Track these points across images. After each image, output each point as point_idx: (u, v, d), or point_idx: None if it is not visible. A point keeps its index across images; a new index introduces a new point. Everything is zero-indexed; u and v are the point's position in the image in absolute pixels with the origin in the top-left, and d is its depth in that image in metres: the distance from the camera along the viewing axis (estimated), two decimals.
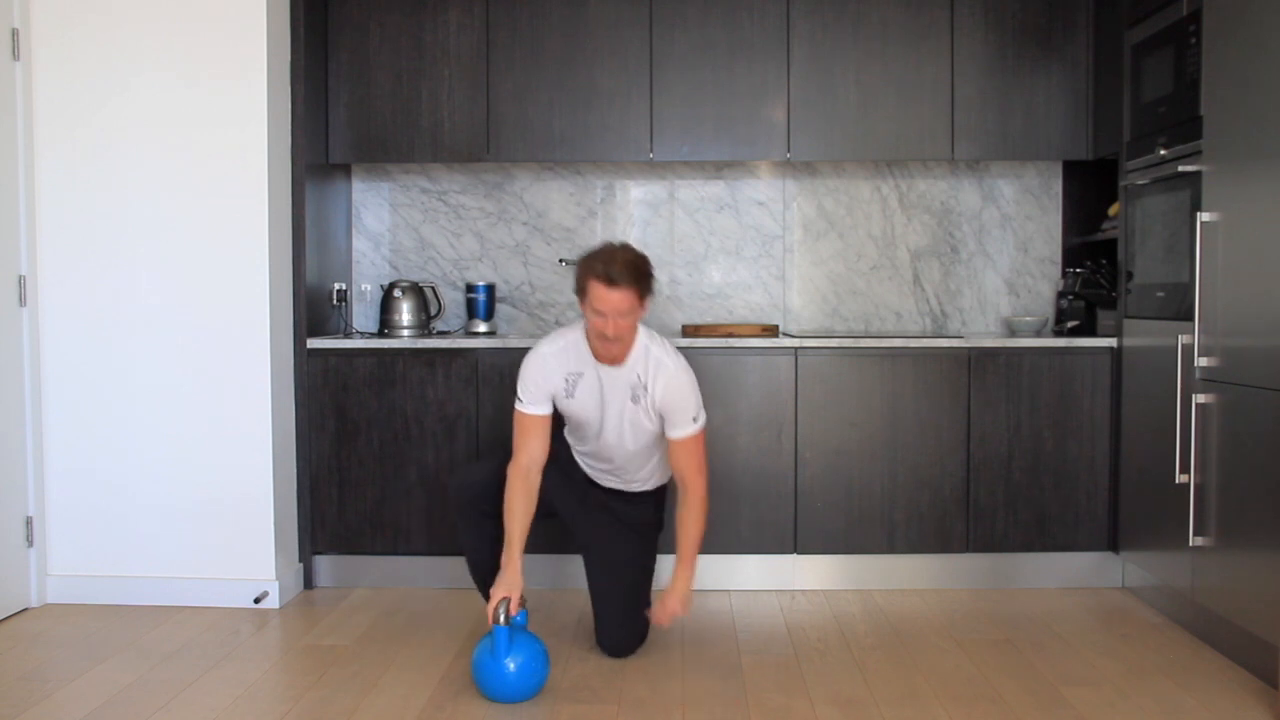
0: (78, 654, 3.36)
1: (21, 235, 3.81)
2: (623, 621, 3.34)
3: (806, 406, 4.07)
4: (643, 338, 3.25)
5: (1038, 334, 4.38)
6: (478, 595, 4.01)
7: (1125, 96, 3.96)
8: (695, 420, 3.23)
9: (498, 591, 3.06)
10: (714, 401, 3.89)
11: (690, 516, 3.24)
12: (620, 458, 3.35)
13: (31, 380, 3.84)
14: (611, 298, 3.05)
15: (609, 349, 3.16)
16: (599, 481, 3.46)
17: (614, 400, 3.24)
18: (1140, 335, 3.87)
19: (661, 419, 3.25)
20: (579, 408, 3.28)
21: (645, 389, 3.21)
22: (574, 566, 4.11)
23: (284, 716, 2.88)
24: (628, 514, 3.45)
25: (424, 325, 4.40)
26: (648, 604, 3.38)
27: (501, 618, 2.96)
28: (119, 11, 3.81)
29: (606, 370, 3.23)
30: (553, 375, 3.26)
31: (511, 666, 2.94)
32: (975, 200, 4.65)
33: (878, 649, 3.42)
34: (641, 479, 3.43)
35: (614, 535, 3.41)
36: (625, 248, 3.16)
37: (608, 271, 3.05)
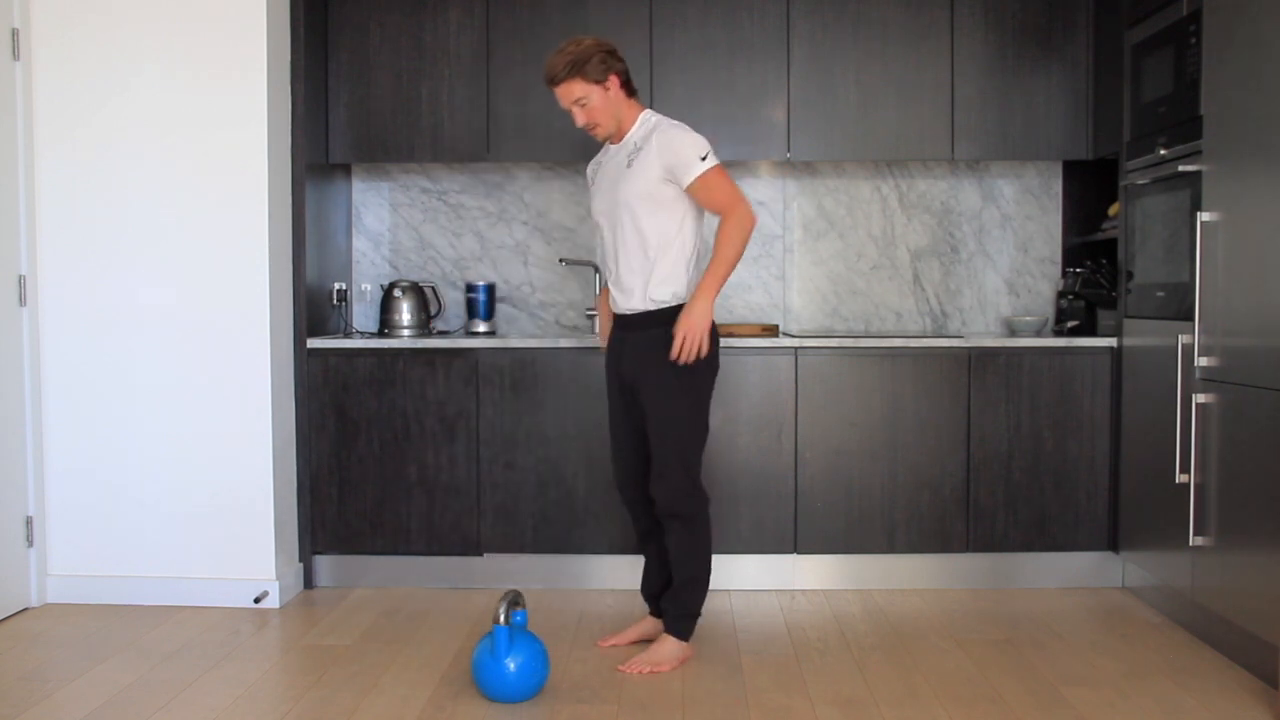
0: (78, 654, 3.36)
1: (21, 235, 3.81)
2: (652, 476, 3.25)
3: (806, 406, 4.07)
4: (648, 114, 3.29)
5: (1038, 334, 4.38)
6: (478, 595, 4.02)
7: (1125, 96, 3.96)
8: (704, 159, 3.15)
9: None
10: (714, 401, 3.88)
11: (721, 236, 3.16)
12: (612, 253, 3.29)
13: (31, 380, 3.84)
14: (558, 94, 3.23)
15: (597, 135, 3.30)
16: (615, 308, 3.37)
17: (609, 175, 3.29)
18: (1140, 335, 3.87)
19: (666, 175, 3.17)
20: (595, 192, 3.38)
21: (639, 149, 3.22)
22: (574, 566, 4.12)
23: (284, 716, 2.88)
24: (634, 369, 3.27)
25: (424, 325, 4.41)
26: (677, 468, 3.21)
27: (502, 617, 2.96)
28: (119, 11, 3.81)
29: (612, 149, 3.33)
30: (592, 166, 3.46)
31: (511, 666, 2.94)
32: (975, 200, 4.65)
33: (878, 649, 3.42)
34: (631, 289, 3.26)
35: (631, 409, 3.33)
36: (573, 41, 3.24)
37: (545, 73, 3.23)
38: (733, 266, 3.19)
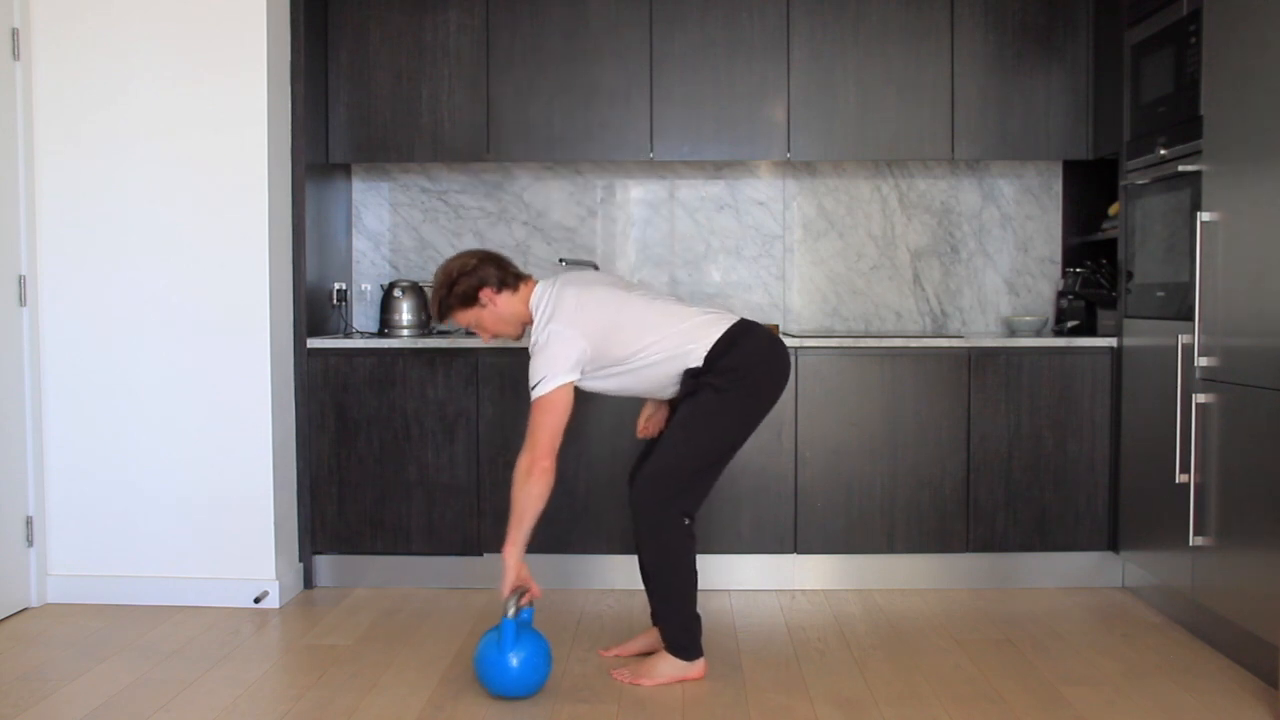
0: (78, 654, 3.36)
1: (21, 235, 3.81)
2: (641, 467, 3.21)
3: (806, 406, 4.07)
4: (534, 302, 3.19)
5: (1038, 334, 4.39)
6: (477, 595, 4.02)
7: (1125, 96, 3.96)
8: (533, 388, 3.05)
9: (513, 581, 3.04)
10: None
11: (512, 484, 3.08)
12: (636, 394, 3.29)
13: (31, 380, 3.84)
14: (456, 323, 3.28)
15: (511, 340, 3.36)
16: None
17: None
18: (1140, 335, 3.87)
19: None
20: None
21: None
22: (574, 566, 4.12)
23: (284, 716, 2.88)
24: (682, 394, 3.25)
25: (424, 325, 4.40)
26: (664, 471, 3.14)
27: (511, 610, 2.95)
28: (119, 11, 3.81)
29: None
30: None
31: (515, 661, 2.93)
32: (975, 200, 4.65)
33: (878, 649, 3.42)
34: (653, 390, 3.25)
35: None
36: (438, 274, 3.23)
37: (433, 314, 3.28)
38: (525, 516, 3.04)
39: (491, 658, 2.95)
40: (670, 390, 3.21)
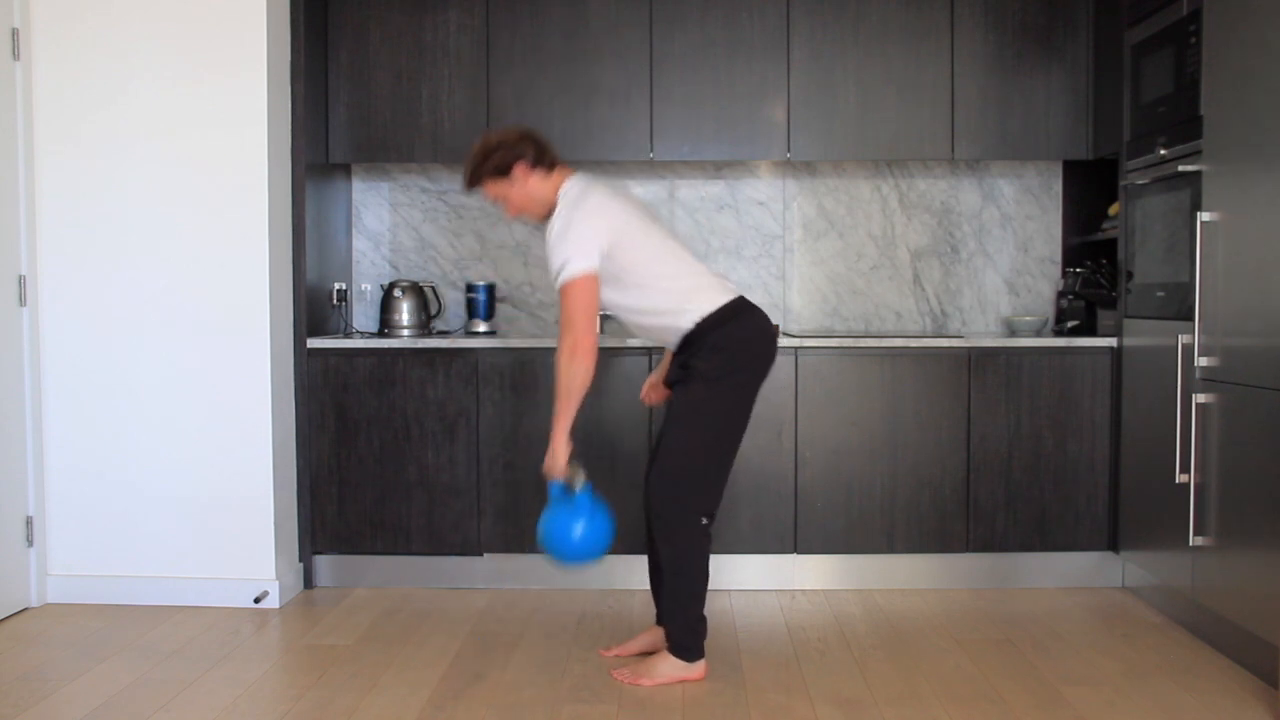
0: (78, 654, 3.36)
1: (21, 235, 3.81)
2: (650, 476, 3.21)
3: (806, 406, 4.07)
4: (564, 190, 3.18)
5: (1038, 334, 4.39)
6: (477, 595, 4.03)
7: (1125, 96, 3.96)
8: (557, 275, 3.04)
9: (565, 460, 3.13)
10: None
11: (555, 365, 3.08)
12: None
13: (31, 380, 3.84)
14: (483, 195, 3.29)
15: (530, 221, 3.37)
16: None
17: None
18: (1140, 335, 3.87)
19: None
20: None
21: None
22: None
23: (284, 716, 2.88)
24: (674, 377, 3.27)
25: (424, 325, 4.40)
26: (673, 470, 3.15)
27: (580, 480, 3.08)
28: (119, 11, 3.81)
29: None
30: None
31: (586, 529, 3.05)
32: (975, 200, 4.65)
33: (878, 649, 3.42)
34: (641, 328, 3.26)
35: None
36: (476, 143, 3.24)
37: (464, 181, 3.28)
38: (570, 395, 3.05)
39: (566, 524, 3.07)
40: (667, 340, 3.22)
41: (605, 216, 3.10)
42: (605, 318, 4.61)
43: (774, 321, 4.58)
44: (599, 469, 4.03)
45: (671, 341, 3.21)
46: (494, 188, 3.22)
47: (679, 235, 4.67)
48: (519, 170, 3.17)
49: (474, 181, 3.23)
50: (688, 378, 3.13)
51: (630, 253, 3.10)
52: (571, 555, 3.12)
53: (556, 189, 3.20)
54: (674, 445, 3.13)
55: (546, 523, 3.14)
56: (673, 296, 3.14)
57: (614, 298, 3.17)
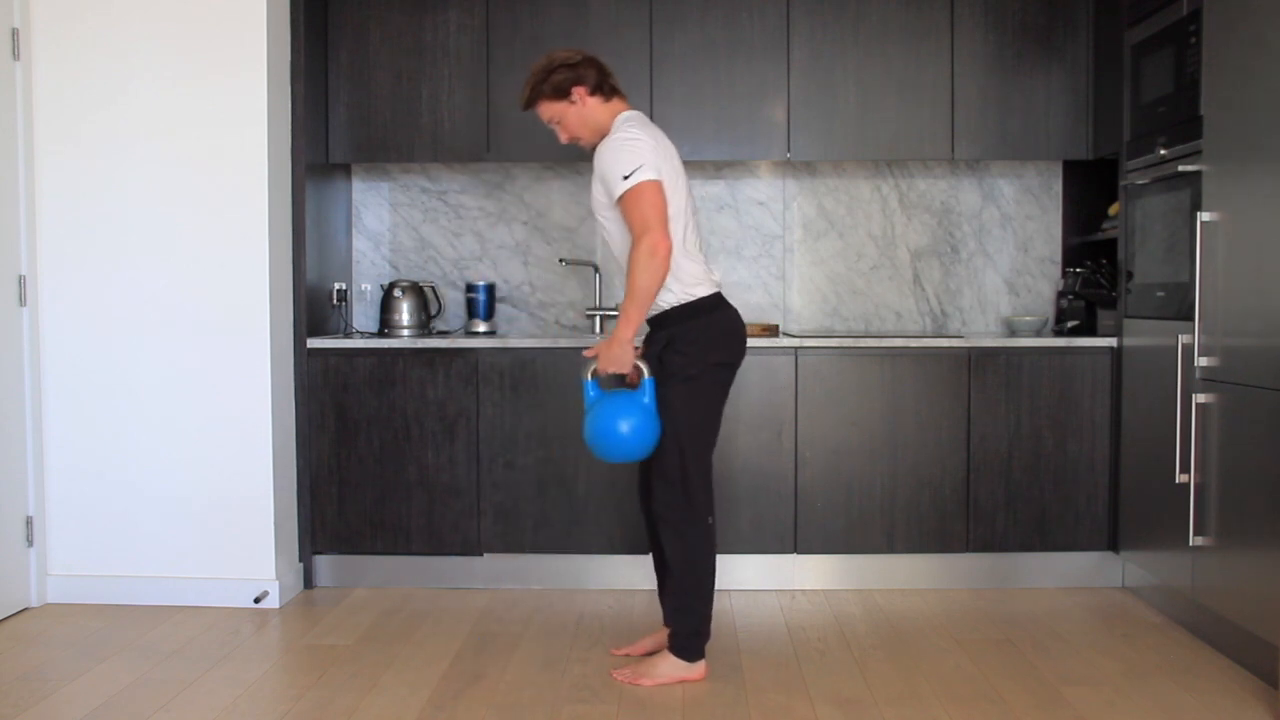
0: (78, 654, 3.36)
1: (21, 235, 3.81)
2: (650, 483, 3.22)
3: (806, 406, 4.07)
4: (620, 119, 3.18)
5: (1038, 334, 4.38)
6: (477, 595, 4.02)
7: (1125, 96, 3.96)
8: (627, 178, 3.02)
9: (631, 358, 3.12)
10: None
11: (630, 263, 3.06)
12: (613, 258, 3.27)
13: (31, 380, 3.84)
14: (539, 115, 3.24)
15: (583, 147, 3.27)
16: None
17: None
18: (1140, 335, 3.87)
19: (604, 189, 3.12)
20: None
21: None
22: (574, 566, 4.12)
23: (284, 716, 2.88)
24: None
25: (424, 325, 4.40)
26: (675, 475, 3.14)
27: (647, 371, 3.09)
28: (119, 11, 3.81)
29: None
30: None
31: (626, 426, 3.06)
32: (975, 200, 4.65)
33: (878, 649, 3.42)
34: (625, 273, 3.22)
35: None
36: (540, 61, 3.21)
37: (521, 99, 3.23)
38: (646, 296, 3.03)
39: (638, 408, 3.07)
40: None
41: (660, 153, 3.11)
42: (609, 315, 4.61)
43: (772, 321, 4.63)
44: (598, 469, 4.04)
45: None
46: (551, 108, 3.19)
47: None
48: (578, 93, 3.16)
49: (532, 100, 3.20)
50: (665, 377, 3.13)
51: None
52: (633, 449, 3.10)
53: (613, 116, 3.19)
54: (670, 450, 3.12)
55: (614, 418, 3.09)
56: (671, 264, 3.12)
57: (620, 232, 3.15)
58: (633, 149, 3.06)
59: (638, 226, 3.02)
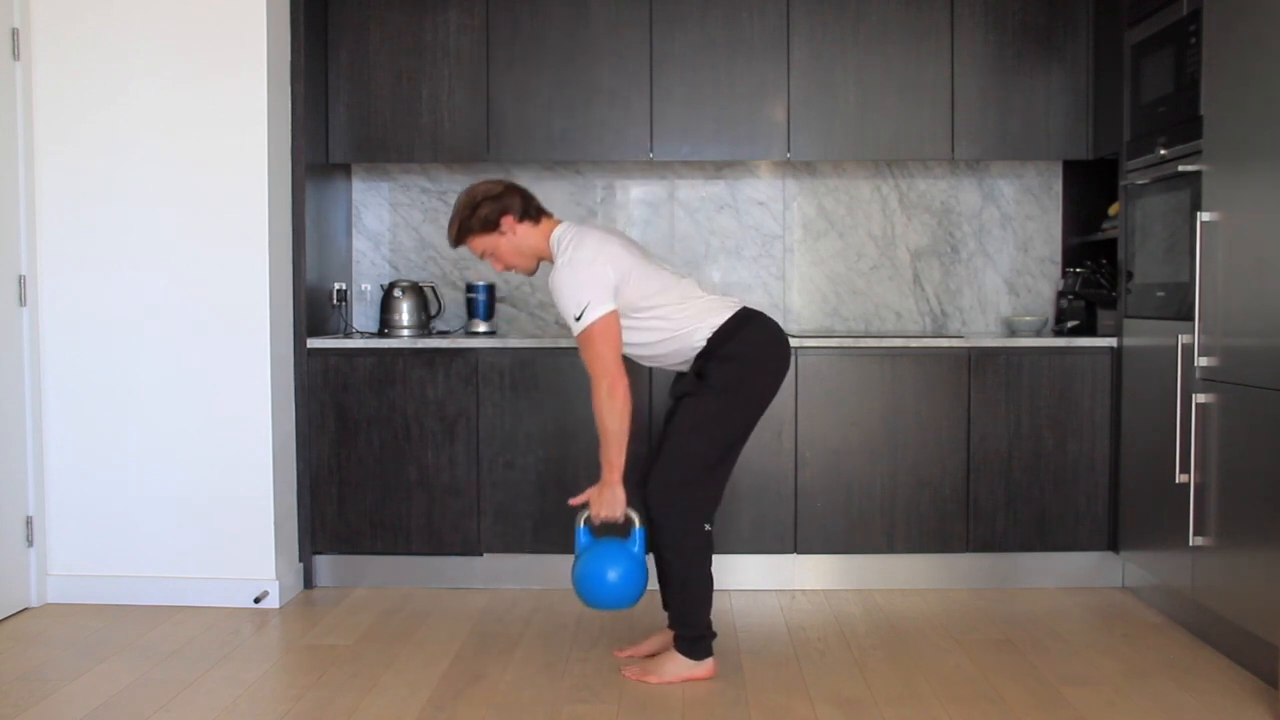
0: (78, 654, 3.36)
1: (21, 235, 3.81)
2: (652, 472, 3.18)
3: (806, 406, 4.07)
4: (555, 238, 3.19)
5: (1038, 334, 4.38)
6: (477, 595, 4.03)
7: (1125, 96, 3.96)
8: (578, 319, 3.04)
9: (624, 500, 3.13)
10: None
11: (595, 413, 3.07)
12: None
13: (31, 380, 3.84)
14: (470, 250, 3.26)
15: (523, 274, 3.35)
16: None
17: None
18: (1140, 335, 3.87)
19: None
20: None
21: None
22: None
23: (284, 716, 2.88)
24: (684, 384, 3.25)
25: (424, 325, 4.40)
26: (679, 479, 3.13)
27: (639, 522, 3.10)
28: (119, 11, 3.81)
29: None
30: None
31: (616, 575, 3.08)
32: (975, 200, 4.65)
33: (878, 649, 3.42)
34: (655, 359, 3.27)
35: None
36: (461, 197, 3.23)
37: (450, 237, 3.26)
38: (620, 437, 3.05)
39: (633, 558, 3.10)
40: (677, 364, 3.23)
41: (608, 256, 3.10)
42: None
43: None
44: (599, 470, 4.03)
45: (686, 362, 3.20)
46: (481, 242, 3.21)
47: (679, 236, 4.68)
48: (507, 222, 3.18)
49: (461, 237, 3.22)
50: (701, 389, 3.11)
51: (637, 286, 3.12)
52: (620, 598, 3.11)
53: (546, 238, 3.21)
54: (680, 453, 3.11)
55: (603, 567, 3.10)
56: (682, 320, 3.14)
57: (625, 336, 3.15)
58: (575, 283, 3.06)
59: (594, 369, 3.06)
